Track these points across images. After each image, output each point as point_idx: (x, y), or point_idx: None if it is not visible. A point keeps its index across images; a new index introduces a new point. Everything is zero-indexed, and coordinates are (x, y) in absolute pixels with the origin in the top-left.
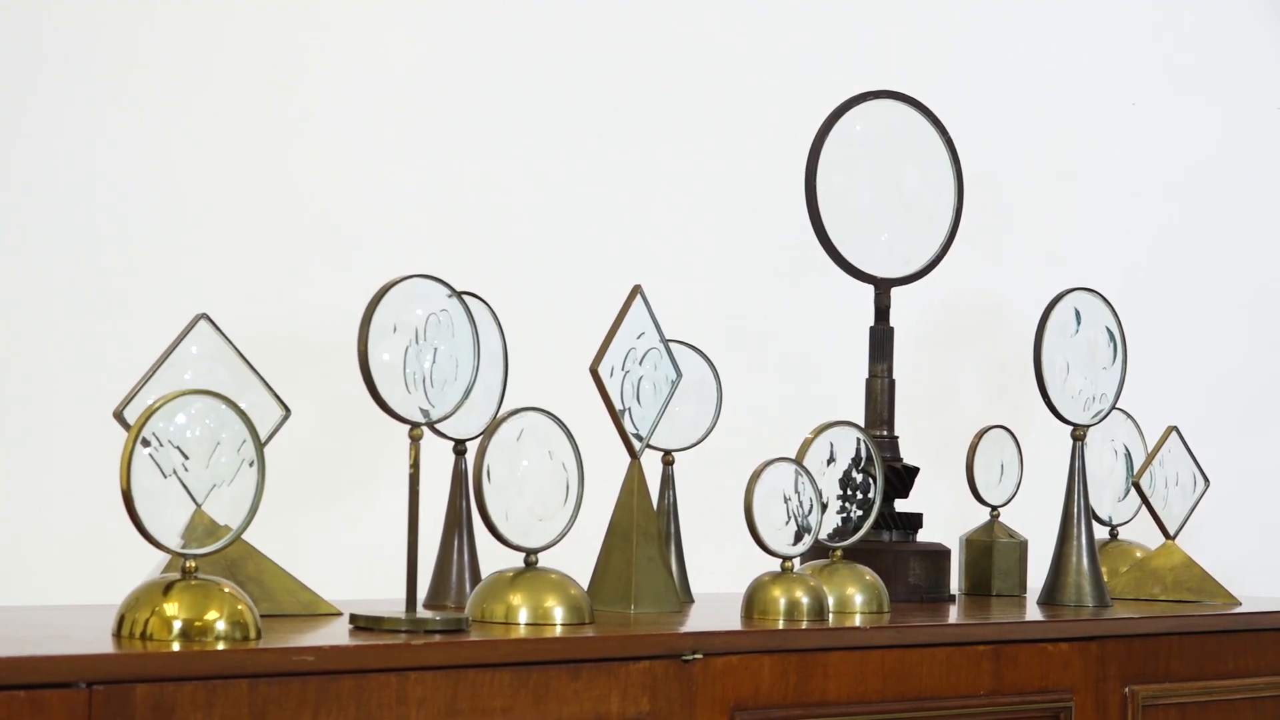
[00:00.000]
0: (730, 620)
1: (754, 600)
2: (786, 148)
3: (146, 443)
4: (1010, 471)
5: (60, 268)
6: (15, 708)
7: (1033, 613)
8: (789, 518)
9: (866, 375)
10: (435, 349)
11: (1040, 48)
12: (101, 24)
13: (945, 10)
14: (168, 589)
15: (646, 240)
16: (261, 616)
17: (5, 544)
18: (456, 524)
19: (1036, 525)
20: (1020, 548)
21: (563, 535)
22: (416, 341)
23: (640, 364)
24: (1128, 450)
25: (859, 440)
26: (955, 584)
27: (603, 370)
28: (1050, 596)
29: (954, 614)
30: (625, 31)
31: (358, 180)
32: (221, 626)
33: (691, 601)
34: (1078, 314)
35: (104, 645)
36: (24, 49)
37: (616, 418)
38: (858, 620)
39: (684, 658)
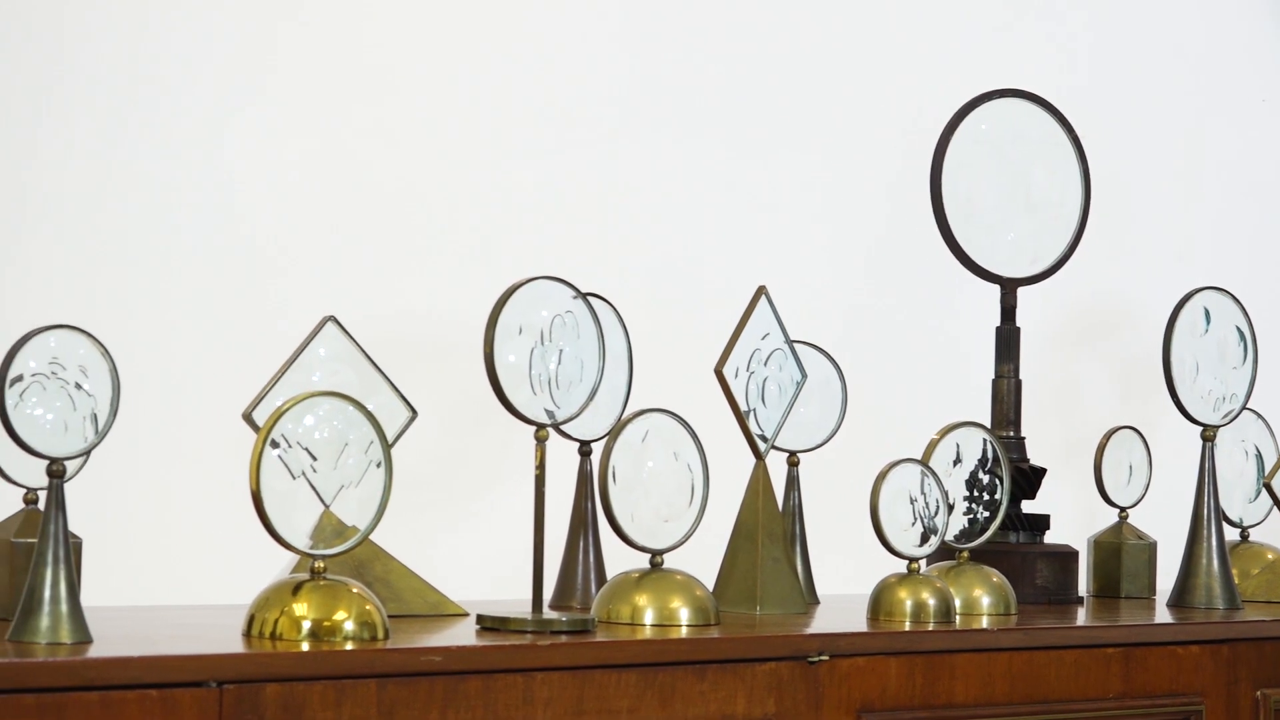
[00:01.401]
0: (856, 622)
1: (880, 602)
2: (911, 147)
3: (275, 444)
4: (1139, 473)
5: (190, 272)
6: (148, 706)
7: (1162, 615)
8: (915, 519)
9: (993, 375)
10: (561, 350)
11: (1168, 44)
12: (238, 29)
13: (1071, 8)
14: (297, 589)
15: (772, 241)
16: (389, 617)
17: (138, 544)
18: (582, 525)
19: (1165, 527)
20: (1149, 549)
21: (688, 536)
22: (542, 343)
23: (765, 365)
24: (1259, 451)
25: (985, 441)
26: (1083, 586)
27: (728, 371)
28: (1180, 599)
29: (1082, 616)
30: (748, 31)
31: (484, 182)
32: (350, 627)
33: (817, 603)
34: (1207, 313)
35: (234, 645)
36: (146, 54)
37: (741, 419)
38: (985, 622)
39: (810, 659)
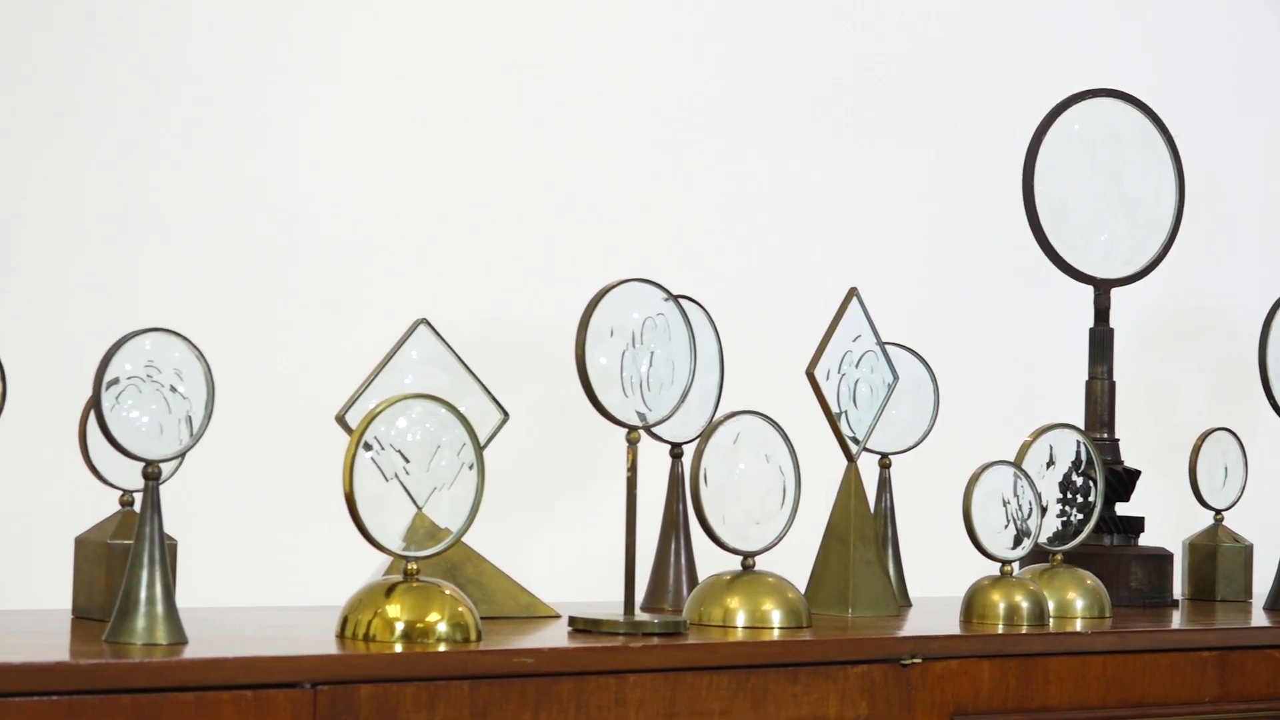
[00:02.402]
0: (949, 624)
1: (973, 604)
2: (1004, 147)
3: (369, 446)
4: (1234, 475)
5: (284, 275)
6: (243, 707)
7: (1259, 618)
8: (1008, 521)
9: (1086, 377)
10: (652, 352)
11: (1260, 43)
12: (325, 35)
13: (1164, 6)
14: (390, 591)
15: (863, 242)
16: (481, 618)
17: (232, 546)
18: (673, 527)
19: (1262, 529)
20: (1245, 552)
21: (779, 538)
22: (633, 345)
23: (857, 367)
24: None
25: (1079, 443)
26: (1178, 589)
27: (819, 373)
28: (1277, 603)
29: (1177, 619)
30: (837, 33)
31: (577, 185)
32: (443, 628)
33: (909, 605)
34: None
35: (328, 646)
36: (235, 57)
37: (833, 421)
38: (1079, 625)
39: (903, 662)
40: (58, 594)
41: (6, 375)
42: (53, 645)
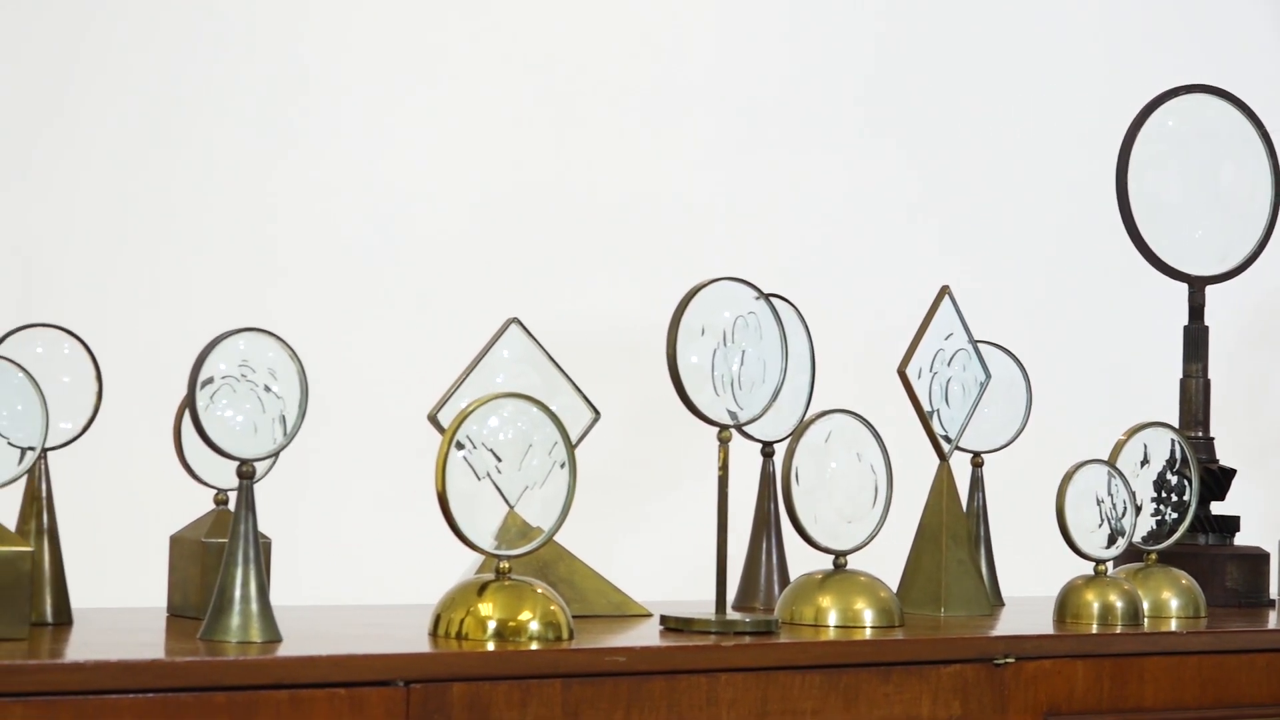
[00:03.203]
0: (1042, 624)
1: (1066, 604)
2: (1096, 144)
3: (461, 445)
4: None
5: (377, 274)
6: (336, 705)
7: None
8: (1102, 520)
9: (1180, 375)
10: (743, 351)
11: None
12: (418, 37)
13: (1258, 1)
14: (482, 589)
15: (954, 240)
16: (573, 617)
17: (325, 545)
18: (765, 526)
19: None
20: None
21: (871, 537)
22: (725, 344)
23: (949, 365)
24: None
25: (1174, 442)
26: (1274, 589)
27: (911, 371)
28: None
29: (1274, 619)
30: (929, 29)
31: (667, 184)
32: (535, 627)
33: (1002, 605)
34: None
35: (421, 644)
36: (323, 58)
37: (925, 419)
38: (1174, 625)
39: (996, 662)
40: (153, 592)
41: (103, 375)
42: (148, 643)
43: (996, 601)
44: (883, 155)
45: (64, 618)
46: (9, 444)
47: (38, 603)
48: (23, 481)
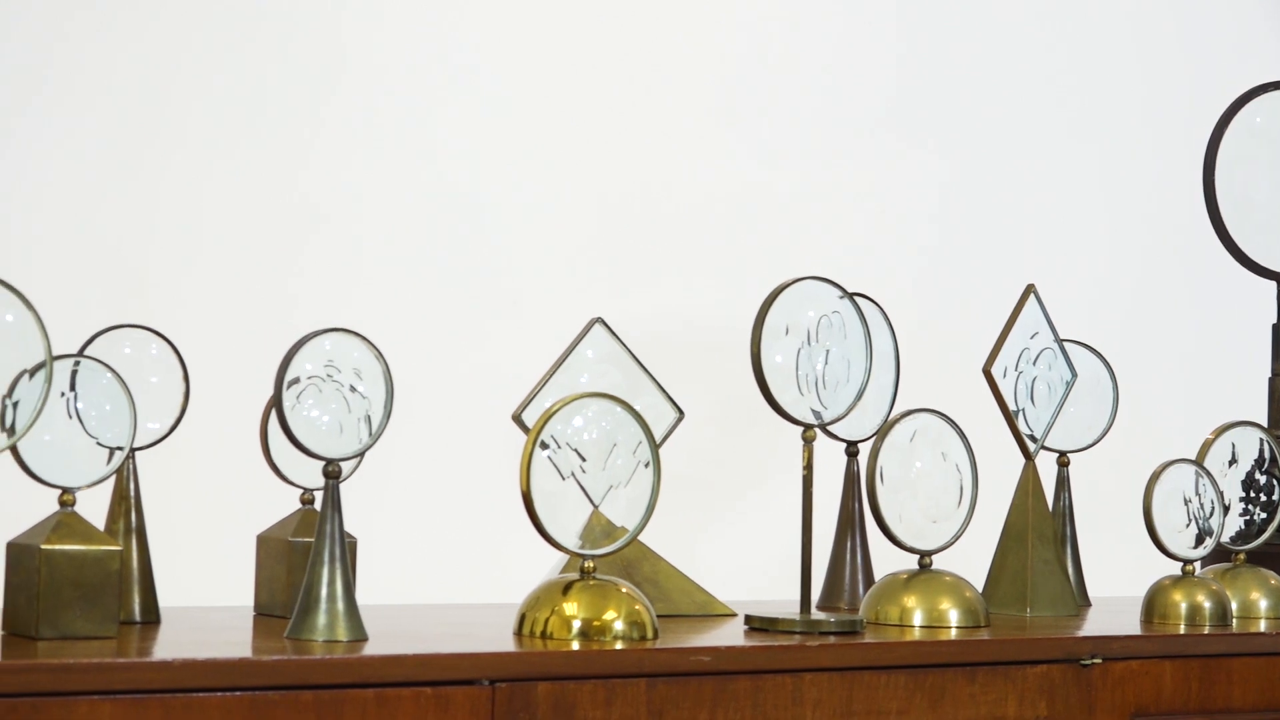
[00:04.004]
0: (1129, 624)
1: (1154, 604)
2: (1184, 141)
3: (545, 445)
4: None
5: (461, 274)
6: (422, 704)
7: None
8: (1189, 520)
9: (1269, 374)
10: (828, 350)
11: None
12: (498, 38)
13: None
14: (567, 589)
15: (1039, 238)
16: (658, 616)
17: (411, 545)
18: (849, 525)
19: None
20: None
21: (957, 537)
22: (809, 343)
23: (1034, 364)
24: None
25: (1262, 441)
26: None
27: (996, 371)
28: None
29: None
30: (1013, 27)
31: (751, 183)
32: (620, 626)
33: (1088, 605)
34: None
35: (506, 644)
36: (415, 62)
37: (1010, 419)
38: (1262, 625)
39: (1082, 662)
40: (240, 591)
41: (190, 376)
42: (235, 642)
43: (1083, 602)
44: (968, 152)
45: (152, 616)
46: (98, 444)
47: (126, 601)
48: (111, 481)
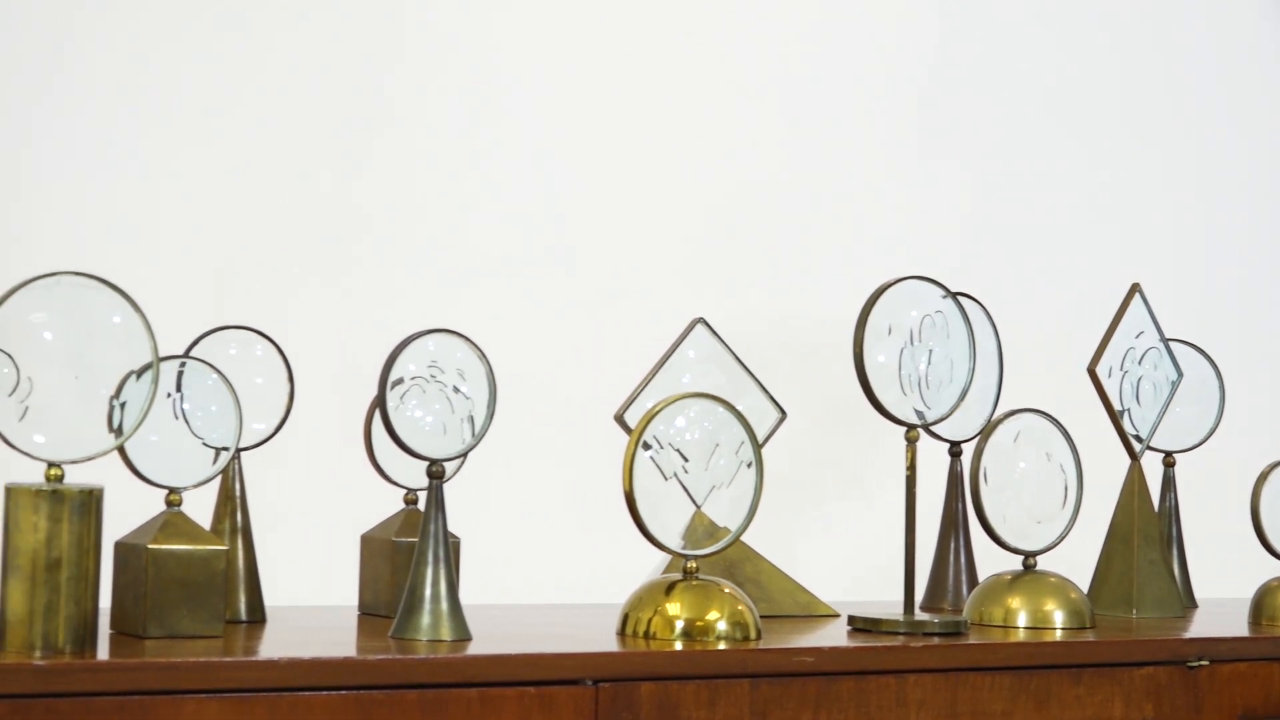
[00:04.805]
0: (1237, 626)
1: (1262, 605)
2: None
3: (647, 445)
4: None
5: (562, 275)
6: (526, 704)
7: None
8: None
9: None
10: (930, 350)
11: None
12: (597, 39)
13: None
14: (670, 589)
15: (1145, 236)
16: (760, 617)
17: (514, 544)
18: (953, 526)
19: None
20: None
21: (1061, 538)
22: (912, 343)
23: (1139, 364)
24: None
25: None
26: None
27: (1101, 370)
28: None
29: None
30: (1115, 24)
31: (852, 182)
32: (723, 626)
33: (1195, 606)
34: None
35: (609, 644)
36: (537, 68)
37: (1116, 419)
38: None
39: (1189, 664)
40: (344, 590)
41: (295, 376)
42: (340, 641)
43: (1189, 603)
44: (1070, 150)
45: (258, 615)
46: (204, 444)
47: (232, 600)
48: (217, 481)
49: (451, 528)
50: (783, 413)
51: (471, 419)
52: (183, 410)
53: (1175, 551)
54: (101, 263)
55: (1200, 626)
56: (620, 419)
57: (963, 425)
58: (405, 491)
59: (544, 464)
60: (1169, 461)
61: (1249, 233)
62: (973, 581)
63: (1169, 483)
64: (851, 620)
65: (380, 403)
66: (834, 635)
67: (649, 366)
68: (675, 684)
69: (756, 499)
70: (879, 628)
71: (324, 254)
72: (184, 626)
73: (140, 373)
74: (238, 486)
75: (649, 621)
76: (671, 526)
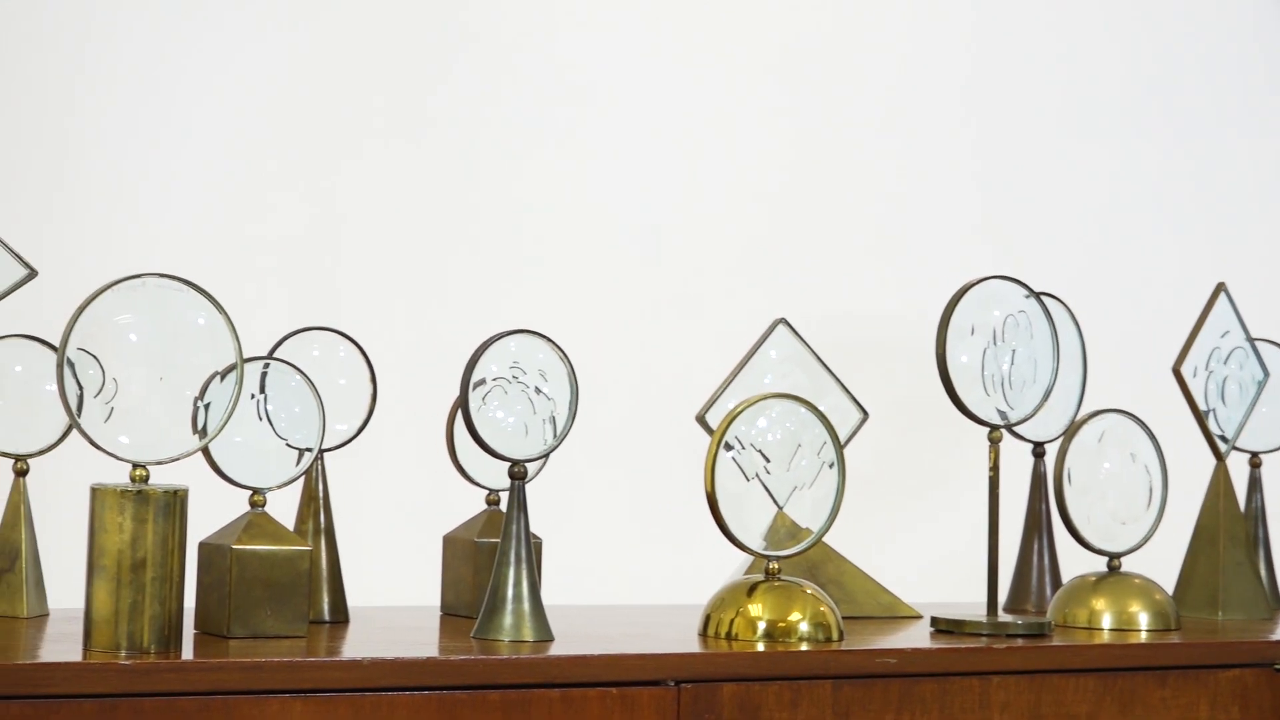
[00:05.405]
0: None
1: None
2: None
3: (729, 446)
4: None
5: (643, 275)
6: (608, 704)
7: None
8: None
9: None
10: (1014, 350)
11: None
12: (680, 41)
13: None
14: (752, 590)
15: (1228, 234)
16: (843, 618)
17: (595, 545)
18: (1036, 527)
19: None
20: None
21: (1146, 539)
22: (995, 343)
23: (1225, 363)
24: None
25: None
26: None
27: (1186, 370)
28: None
29: None
30: (1196, 22)
31: (933, 181)
32: (805, 628)
33: None
34: None
35: (691, 645)
36: (618, 71)
37: (1201, 419)
38: None
39: (1276, 666)
40: (426, 591)
41: (377, 378)
42: (423, 641)
43: (1276, 605)
44: (1155, 150)
45: (341, 616)
46: (287, 445)
47: (315, 601)
48: (300, 482)
49: (533, 528)
50: (865, 413)
51: (553, 419)
52: (266, 411)
53: (1261, 552)
54: (186, 264)
55: None
56: (702, 420)
57: (1046, 425)
58: (487, 492)
59: (625, 465)
60: (1255, 462)
61: None
62: (1056, 583)
63: (1255, 483)
64: (934, 621)
65: (462, 404)
66: (916, 636)
67: (730, 367)
68: (757, 685)
69: (839, 500)
70: (962, 629)
71: (408, 256)
72: (268, 627)
73: (224, 374)
74: (321, 487)
75: (731, 622)
76: (753, 527)
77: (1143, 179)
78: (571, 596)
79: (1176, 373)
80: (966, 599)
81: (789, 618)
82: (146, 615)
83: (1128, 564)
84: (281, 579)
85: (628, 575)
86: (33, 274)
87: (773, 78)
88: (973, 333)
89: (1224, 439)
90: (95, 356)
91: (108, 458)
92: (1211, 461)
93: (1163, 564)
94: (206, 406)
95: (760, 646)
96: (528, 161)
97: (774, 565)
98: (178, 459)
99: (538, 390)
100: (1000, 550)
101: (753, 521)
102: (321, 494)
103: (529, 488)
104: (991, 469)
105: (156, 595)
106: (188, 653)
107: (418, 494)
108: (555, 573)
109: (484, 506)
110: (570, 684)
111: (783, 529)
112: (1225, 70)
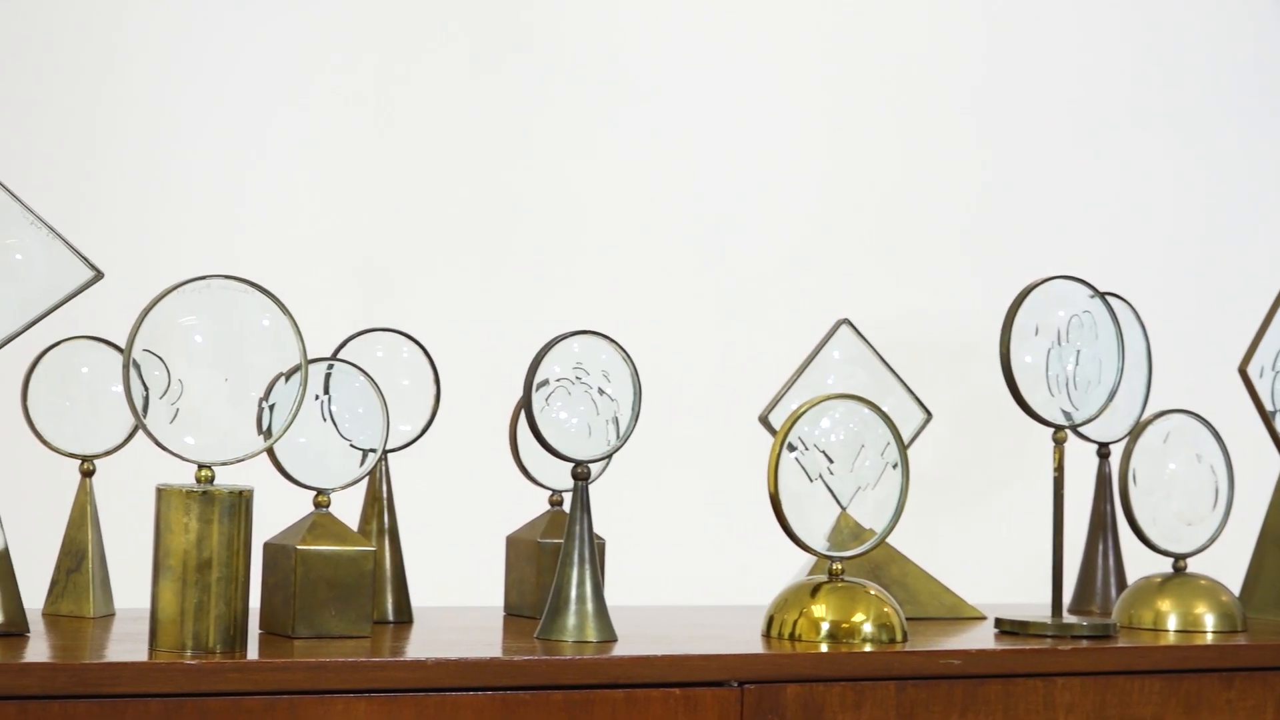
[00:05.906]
0: None
1: None
2: None
3: (792, 447)
4: None
5: (707, 276)
6: (671, 705)
7: None
8: None
9: None
10: (1078, 351)
11: None
12: (740, 41)
13: None
14: (815, 591)
15: None
16: (906, 619)
17: (659, 546)
18: (1101, 528)
19: None
20: None
21: (1212, 540)
22: (1059, 343)
23: None
24: None
25: None
26: None
27: (1252, 370)
28: None
29: None
30: (1254, 23)
31: (997, 182)
32: (869, 629)
33: None
34: None
35: (754, 645)
36: (685, 77)
37: (1267, 419)
38: None
39: None
40: (490, 591)
41: (441, 378)
42: (486, 642)
43: None
44: (1220, 148)
45: (405, 616)
46: (351, 446)
47: (379, 601)
48: (365, 483)
49: (596, 529)
50: (928, 413)
51: (616, 420)
52: (331, 412)
53: None
54: (251, 266)
55: None
56: (765, 420)
57: (1111, 426)
58: (550, 493)
59: (688, 465)
60: None
61: None
62: (1121, 584)
63: None
64: (998, 623)
65: (526, 404)
66: (981, 638)
67: (793, 368)
68: (821, 686)
69: (902, 500)
70: (1026, 630)
71: (471, 256)
72: (332, 627)
73: (289, 375)
74: (385, 488)
75: (794, 623)
76: (816, 528)
77: (1208, 178)
78: (635, 597)
79: (1243, 373)
80: (1031, 600)
81: (853, 619)
82: (212, 615)
83: (1193, 565)
84: (346, 579)
85: (691, 576)
86: (99, 276)
87: (842, 73)
88: (1037, 333)
89: None
90: (161, 358)
91: (173, 458)
92: (1278, 462)
93: (1229, 565)
94: (271, 407)
95: (824, 647)
96: (591, 162)
97: (837, 566)
98: (243, 460)
99: (601, 391)
100: (1065, 551)
101: (816, 522)
102: (385, 494)
103: (592, 488)
104: (1056, 469)
105: (222, 595)
106: (253, 653)
107: (481, 494)
108: (618, 573)
109: (547, 507)
110: (634, 685)
111: (846, 530)
112: (1276, 63)
